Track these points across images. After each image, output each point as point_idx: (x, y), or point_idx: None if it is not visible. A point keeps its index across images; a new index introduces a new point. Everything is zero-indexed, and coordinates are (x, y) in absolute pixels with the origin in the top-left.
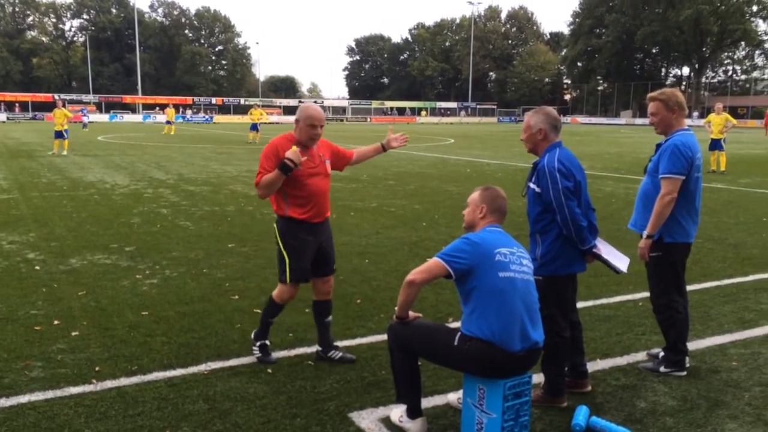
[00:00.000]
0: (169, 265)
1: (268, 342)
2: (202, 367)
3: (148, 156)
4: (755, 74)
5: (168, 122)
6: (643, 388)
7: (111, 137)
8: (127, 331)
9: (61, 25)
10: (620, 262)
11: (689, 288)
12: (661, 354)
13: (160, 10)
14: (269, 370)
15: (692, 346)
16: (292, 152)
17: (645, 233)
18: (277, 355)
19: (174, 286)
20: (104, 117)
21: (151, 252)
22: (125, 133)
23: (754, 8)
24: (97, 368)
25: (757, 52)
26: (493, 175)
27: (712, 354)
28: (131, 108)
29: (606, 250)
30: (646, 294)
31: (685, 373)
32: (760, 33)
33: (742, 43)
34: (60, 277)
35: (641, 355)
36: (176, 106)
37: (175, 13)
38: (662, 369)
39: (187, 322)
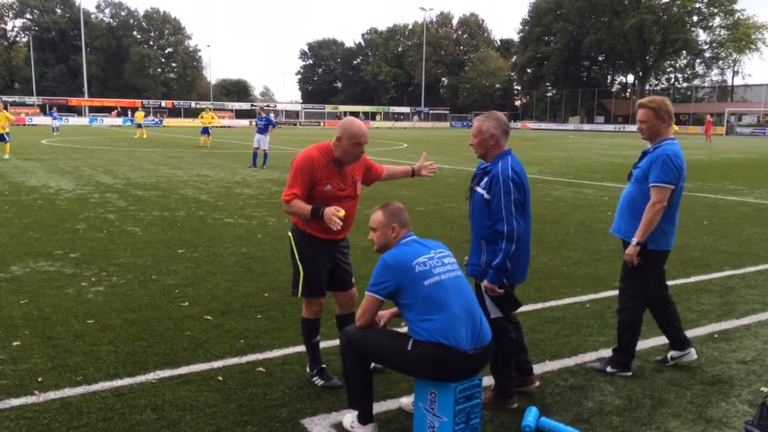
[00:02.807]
0: (116, 272)
1: (324, 365)
2: (150, 376)
3: (94, 160)
4: (696, 82)
5: (139, 125)
6: (591, 389)
7: (55, 140)
8: (72, 340)
9: (2, 25)
10: (494, 310)
11: None
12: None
13: (107, 11)
14: (220, 378)
15: (637, 346)
16: (337, 217)
17: (634, 240)
18: (227, 362)
19: (121, 294)
20: (47, 119)
21: (97, 258)
22: (71, 137)
23: (695, 18)
24: (39, 379)
25: (698, 60)
26: (445, 179)
27: (656, 353)
28: (77, 110)
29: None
30: (594, 296)
31: (630, 373)
32: (700, 42)
33: (684, 52)
34: (0, 285)
35: (589, 356)
36: (124, 109)
37: (123, 13)
38: (609, 369)
39: (135, 330)
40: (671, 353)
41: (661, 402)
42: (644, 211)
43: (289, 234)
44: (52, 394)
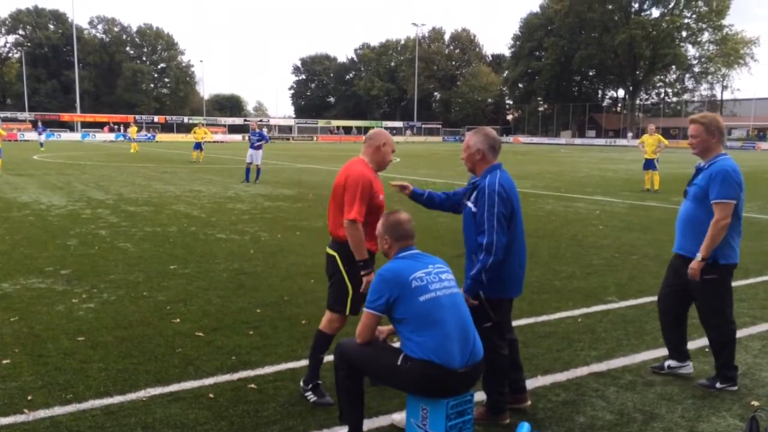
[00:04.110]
0: (107, 289)
1: (320, 382)
2: (141, 394)
3: (86, 175)
4: (686, 97)
5: (131, 140)
6: (582, 403)
7: (48, 156)
8: (62, 357)
9: None
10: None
11: (626, 304)
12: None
13: (99, 27)
14: (211, 395)
15: (628, 360)
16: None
17: (700, 256)
18: (218, 379)
19: (112, 310)
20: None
21: (88, 275)
22: (63, 152)
23: (684, 34)
24: (29, 397)
25: (687, 75)
26: None
27: (646, 367)
28: (69, 126)
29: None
30: (586, 310)
31: (736, 387)
32: (689, 57)
33: (673, 66)
34: None
35: (580, 371)
36: (117, 125)
37: (116, 29)
38: (718, 385)
39: (126, 347)
40: (669, 362)
41: (653, 416)
42: (709, 228)
43: (331, 251)
44: (42, 413)
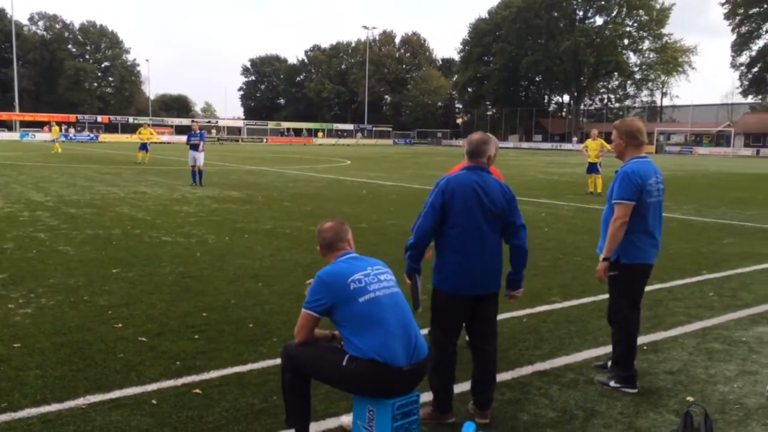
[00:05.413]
0: (45, 293)
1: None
2: (80, 401)
3: (24, 176)
4: (627, 103)
5: (54, 140)
6: (527, 402)
7: None
8: None
9: None
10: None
11: (569, 304)
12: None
13: (40, 23)
14: (154, 401)
15: (571, 359)
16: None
17: (602, 256)
18: (162, 385)
19: (50, 316)
20: None
21: (25, 279)
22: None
23: (626, 42)
24: None
25: (629, 82)
26: (387, 196)
27: (588, 366)
28: (7, 125)
29: (420, 285)
30: (530, 310)
31: (636, 390)
32: (631, 65)
33: (616, 73)
34: None
35: (525, 370)
36: (59, 124)
37: (58, 26)
38: (612, 384)
39: (64, 353)
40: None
41: (594, 413)
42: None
43: None
44: None
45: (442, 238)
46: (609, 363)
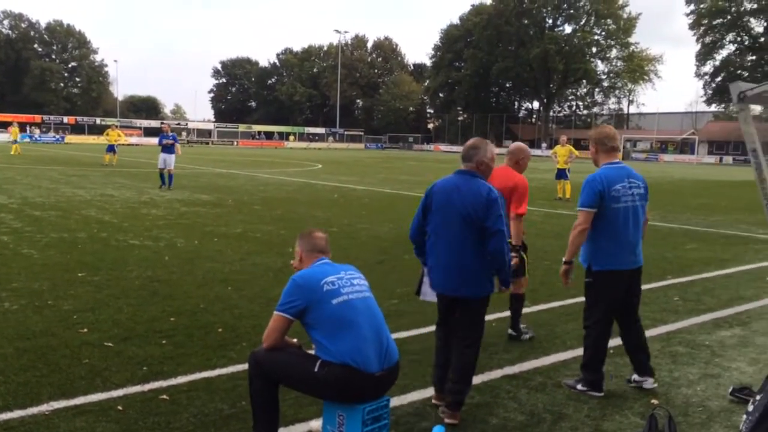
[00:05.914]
0: (8, 297)
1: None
2: (44, 407)
3: None
4: (595, 110)
5: (14, 141)
6: (496, 405)
7: None
8: None
9: None
10: (429, 295)
11: (537, 308)
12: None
13: (6, 22)
14: (120, 407)
15: (539, 362)
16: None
17: (564, 258)
18: (128, 390)
19: (13, 320)
20: None
21: None
22: None
23: (594, 50)
24: None
25: (597, 89)
26: (359, 200)
27: (556, 369)
28: None
29: (424, 275)
30: (499, 315)
31: (602, 394)
32: (599, 72)
33: (584, 81)
34: None
35: (494, 374)
36: (23, 125)
37: (23, 25)
38: (579, 387)
39: (28, 358)
40: (634, 376)
41: (561, 416)
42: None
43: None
44: None
45: (426, 238)
46: (632, 377)
